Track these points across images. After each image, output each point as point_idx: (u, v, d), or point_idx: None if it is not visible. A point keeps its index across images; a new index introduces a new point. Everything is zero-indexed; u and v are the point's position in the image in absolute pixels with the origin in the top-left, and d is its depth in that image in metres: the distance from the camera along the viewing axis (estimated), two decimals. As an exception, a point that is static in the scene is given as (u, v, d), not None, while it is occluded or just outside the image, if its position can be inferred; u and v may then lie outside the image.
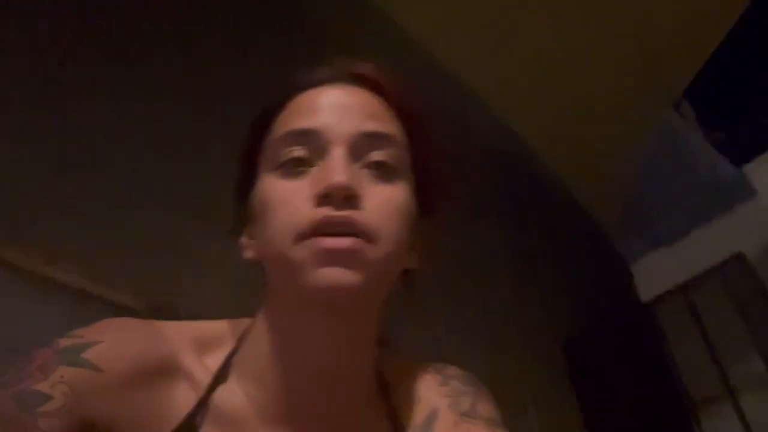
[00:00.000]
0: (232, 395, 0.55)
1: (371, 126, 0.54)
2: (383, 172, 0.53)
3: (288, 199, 0.51)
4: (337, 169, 0.50)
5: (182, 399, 0.52)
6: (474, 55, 2.51)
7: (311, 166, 0.52)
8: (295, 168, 0.52)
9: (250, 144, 0.58)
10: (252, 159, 0.57)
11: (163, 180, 1.46)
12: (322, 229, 0.49)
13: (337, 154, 0.51)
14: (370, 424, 0.58)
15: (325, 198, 0.49)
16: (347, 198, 0.49)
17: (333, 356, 0.53)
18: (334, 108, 0.54)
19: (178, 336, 0.57)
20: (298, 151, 0.52)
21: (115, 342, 0.53)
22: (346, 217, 0.49)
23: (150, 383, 0.53)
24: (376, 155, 0.53)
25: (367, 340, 0.56)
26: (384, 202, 0.52)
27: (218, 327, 0.59)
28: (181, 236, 1.42)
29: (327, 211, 0.49)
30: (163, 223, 1.41)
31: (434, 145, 0.61)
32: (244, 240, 0.57)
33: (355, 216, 0.49)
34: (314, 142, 0.52)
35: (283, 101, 0.57)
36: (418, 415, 0.59)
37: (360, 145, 0.53)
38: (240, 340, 0.57)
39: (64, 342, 0.52)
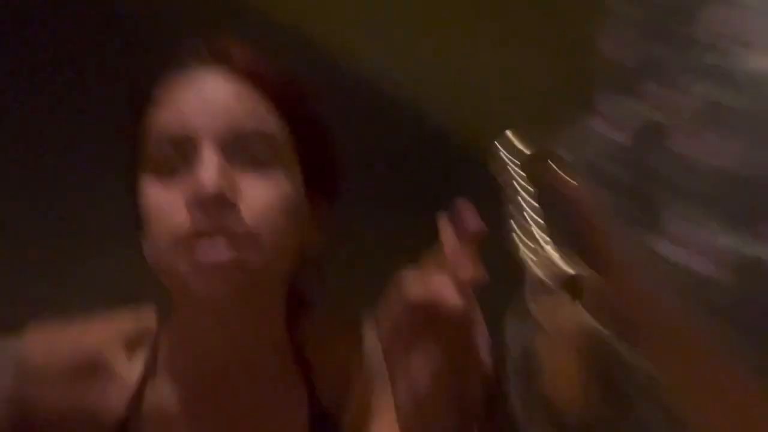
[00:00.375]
0: (161, 391, 0.56)
1: (243, 122, 0.52)
2: (259, 167, 0.51)
3: (162, 207, 0.50)
4: (206, 174, 0.48)
5: (114, 399, 0.56)
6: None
7: (185, 165, 0.50)
8: (168, 170, 0.51)
9: (129, 134, 0.55)
10: (134, 151, 0.55)
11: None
12: (195, 240, 0.48)
13: (208, 157, 0.49)
14: (289, 403, 0.58)
15: (196, 206, 0.48)
16: (219, 204, 0.48)
17: (236, 349, 0.55)
18: (203, 105, 0.51)
19: (106, 335, 0.59)
20: (168, 153, 0.51)
21: (47, 344, 0.56)
22: (219, 227, 0.48)
23: (81, 383, 0.55)
24: (250, 151, 0.51)
25: (269, 327, 0.57)
26: (260, 199, 0.50)
27: (144, 320, 0.60)
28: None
29: (198, 223, 0.48)
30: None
31: (319, 125, 0.58)
32: (143, 242, 0.55)
33: (229, 222, 0.48)
34: (184, 144, 0.51)
35: (150, 90, 0.54)
36: (335, 376, 0.60)
37: (232, 143, 0.51)
38: (162, 333, 0.58)
39: (9, 343, 0.55)
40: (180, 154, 0.51)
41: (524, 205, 0.30)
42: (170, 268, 0.51)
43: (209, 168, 0.48)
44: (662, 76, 0.24)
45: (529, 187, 0.30)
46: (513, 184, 0.31)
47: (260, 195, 0.51)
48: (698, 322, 0.21)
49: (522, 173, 0.31)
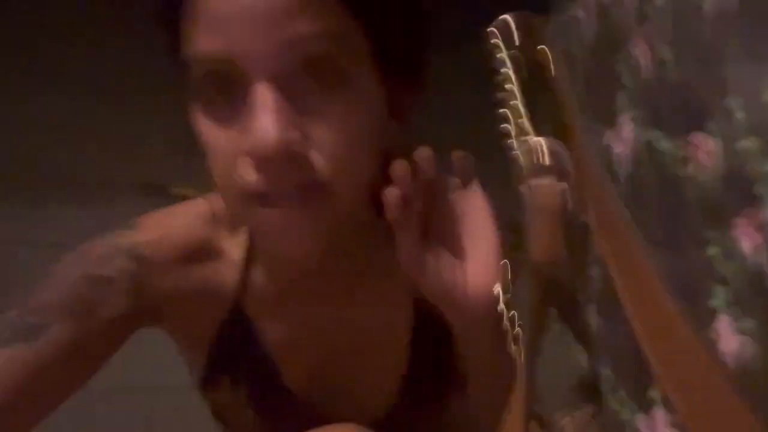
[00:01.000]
0: (263, 275, 0.57)
1: (298, 28, 0.43)
2: (329, 85, 0.44)
3: (220, 153, 0.43)
4: (262, 119, 0.40)
5: (225, 278, 0.57)
6: None
7: (240, 98, 0.44)
8: (220, 104, 0.43)
9: (168, 35, 0.48)
10: (175, 50, 0.48)
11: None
12: (264, 197, 0.44)
13: (260, 94, 0.41)
14: (390, 279, 0.57)
15: (258, 160, 0.42)
16: (284, 159, 0.42)
17: (329, 257, 0.51)
18: (246, 16, 0.42)
19: (212, 218, 0.59)
20: (215, 84, 0.43)
21: (158, 235, 0.56)
22: (289, 185, 0.43)
23: (195, 265, 0.55)
24: (316, 66, 0.44)
25: (354, 229, 0.54)
26: (336, 137, 0.42)
27: None
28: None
29: (264, 179, 0.42)
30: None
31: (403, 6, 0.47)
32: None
33: (302, 172, 0.43)
34: (231, 73, 0.44)
35: None
36: None
37: (290, 62, 0.44)
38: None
39: (117, 238, 0.54)
40: (231, 84, 0.46)
41: (515, 93, 0.33)
42: (245, 222, 0.49)
43: (266, 114, 0.40)
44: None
45: (518, 75, 0.33)
46: (505, 70, 0.34)
47: (334, 130, 0.43)
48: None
49: (515, 59, 0.34)
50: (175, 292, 0.60)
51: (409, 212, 0.46)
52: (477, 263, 0.48)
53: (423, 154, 0.46)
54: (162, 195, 1.91)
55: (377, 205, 0.60)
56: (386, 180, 0.59)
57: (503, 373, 0.53)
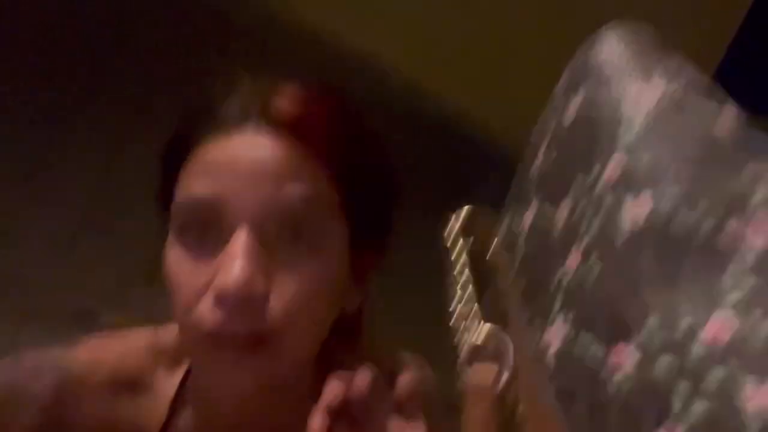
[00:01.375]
0: (191, 418, 0.55)
1: (288, 190, 0.43)
2: (304, 240, 0.48)
3: (187, 286, 0.42)
4: (235, 263, 0.44)
5: (151, 415, 0.55)
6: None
7: (218, 240, 0.48)
8: (198, 240, 0.47)
9: (163, 183, 0.53)
10: (166, 196, 0.52)
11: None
12: (216, 339, 0.46)
13: (239, 239, 0.42)
14: None
15: (220, 300, 0.46)
16: (247, 301, 0.46)
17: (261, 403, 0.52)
18: (242, 169, 0.44)
19: (150, 351, 0.57)
20: (199, 223, 0.48)
21: (95, 356, 0.54)
22: (242, 322, 0.45)
23: (123, 396, 0.53)
24: (295, 228, 0.49)
25: (295, 378, 0.54)
26: (298, 292, 0.43)
27: (175, 337, 0.59)
28: None
29: (221, 317, 0.45)
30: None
31: (378, 171, 0.53)
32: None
33: (254, 317, 0.46)
34: (216, 217, 0.48)
35: (187, 147, 0.52)
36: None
37: (273, 217, 0.47)
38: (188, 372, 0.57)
39: (52, 353, 0.53)
40: (214, 226, 0.49)
41: (468, 278, 0.36)
42: (195, 357, 0.50)
43: (239, 257, 0.44)
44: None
45: (473, 263, 0.37)
46: (457, 258, 0.37)
47: (299, 283, 0.45)
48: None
49: (470, 249, 0.37)
50: (98, 420, 0.56)
51: None
52: None
53: (363, 377, 0.46)
54: (95, 322, 1.82)
55: (319, 363, 0.60)
56: (334, 340, 0.59)
57: None
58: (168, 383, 0.57)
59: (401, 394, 0.45)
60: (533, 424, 0.28)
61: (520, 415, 0.31)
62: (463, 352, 0.34)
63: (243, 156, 0.44)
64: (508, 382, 0.33)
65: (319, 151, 0.45)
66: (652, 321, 0.24)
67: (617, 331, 0.26)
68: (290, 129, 0.44)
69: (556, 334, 0.29)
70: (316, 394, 0.61)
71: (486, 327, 0.35)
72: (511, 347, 0.33)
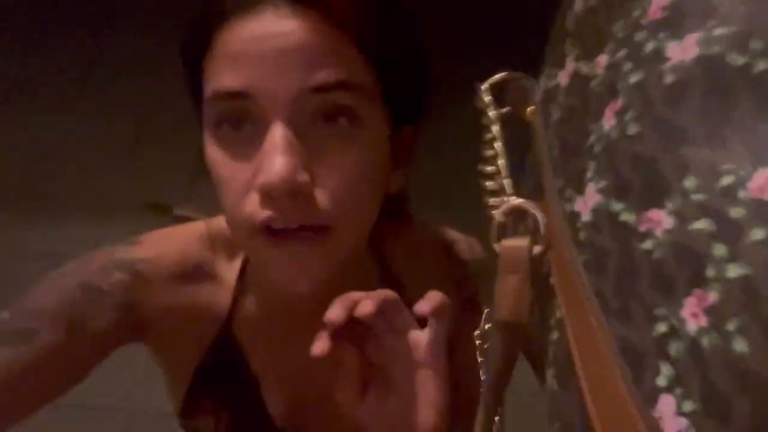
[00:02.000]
0: (255, 302, 0.59)
1: (319, 76, 0.42)
2: (340, 131, 0.44)
3: (230, 184, 0.45)
4: (275, 158, 0.41)
5: (217, 301, 0.60)
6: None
7: (253, 133, 0.44)
8: (234, 136, 0.45)
9: (189, 75, 0.49)
10: (195, 85, 0.49)
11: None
12: (269, 231, 0.44)
13: (276, 133, 0.42)
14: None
15: (266, 195, 0.43)
16: (292, 193, 0.42)
17: (317, 296, 0.51)
18: (270, 57, 0.41)
19: (208, 242, 0.61)
20: (234, 115, 0.44)
21: (156, 251, 0.59)
22: (294, 217, 0.43)
23: (188, 285, 0.59)
24: (329, 113, 0.43)
25: (350, 266, 0.53)
26: (341, 180, 0.44)
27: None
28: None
29: (270, 213, 0.43)
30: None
31: (413, 49, 0.49)
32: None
33: (305, 210, 0.43)
34: (249, 109, 0.43)
35: (209, 32, 0.45)
36: (423, 290, 0.55)
37: (307, 105, 0.43)
38: (246, 263, 0.61)
39: (116, 253, 0.58)
40: (248, 120, 0.44)
41: (501, 151, 0.34)
42: (250, 252, 0.50)
43: (278, 151, 0.41)
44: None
45: (505, 135, 0.34)
46: (494, 128, 0.34)
47: (342, 173, 0.44)
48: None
49: (504, 118, 0.35)
50: (166, 310, 0.64)
51: (351, 356, 0.50)
52: (423, 406, 0.51)
53: (382, 295, 0.49)
54: (165, 215, 1.95)
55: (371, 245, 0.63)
56: (384, 223, 0.61)
57: None
58: (229, 271, 0.64)
59: (424, 311, 0.47)
60: (564, 296, 0.27)
61: (551, 287, 0.30)
62: (493, 228, 0.33)
63: (269, 43, 0.43)
64: (540, 255, 0.31)
65: (349, 29, 0.44)
66: (690, 182, 0.22)
67: (651, 196, 0.23)
68: (316, 6, 0.43)
69: (586, 204, 0.27)
70: (372, 277, 0.66)
71: (515, 201, 0.33)
72: (542, 219, 0.31)
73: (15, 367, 0.48)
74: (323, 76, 0.44)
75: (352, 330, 0.46)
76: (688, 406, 0.20)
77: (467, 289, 0.65)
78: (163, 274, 0.61)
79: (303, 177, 0.44)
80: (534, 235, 0.32)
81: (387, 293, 0.47)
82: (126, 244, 0.61)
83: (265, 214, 0.44)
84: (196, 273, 0.63)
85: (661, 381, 0.21)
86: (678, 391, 0.21)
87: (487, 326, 0.42)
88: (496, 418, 0.35)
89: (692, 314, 0.21)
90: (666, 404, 0.21)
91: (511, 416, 0.45)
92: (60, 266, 0.60)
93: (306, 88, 0.44)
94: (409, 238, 0.65)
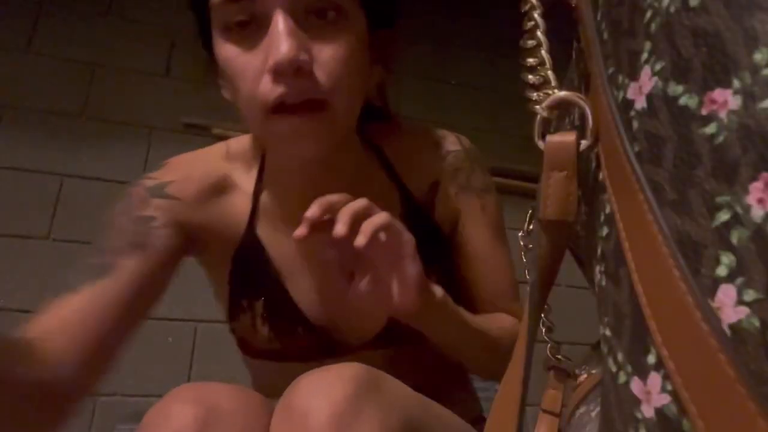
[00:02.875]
0: (271, 198, 0.70)
1: None
2: (330, 23, 0.53)
3: (245, 73, 0.53)
4: (281, 41, 0.49)
5: (240, 207, 0.70)
6: None
7: (258, 29, 0.53)
8: (242, 33, 0.53)
9: None
10: (200, 8, 0.57)
11: None
12: (281, 105, 0.52)
13: (279, 22, 0.50)
14: (379, 193, 0.69)
15: (277, 73, 0.51)
16: (297, 69, 0.50)
17: (321, 175, 0.65)
18: None
19: (227, 158, 0.71)
20: (240, 15, 0.52)
21: (182, 175, 0.69)
22: (300, 91, 0.52)
23: (214, 199, 0.69)
24: (319, 6, 0.53)
25: (344, 152, 0.66)
26: (333, 58, 0.53)
27: (245, 143, 0.72)
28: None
29: (282, 89, 0.51)
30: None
31: None
32: (220, 81, 0.64)
33: (308, 85, 0.52)
34: (253, 9, 0.52)
35: None
36: (423, 183, 0.72)
37: (300, 3, 0.52)
38: (263, 156, 0.71)
39: (149, 182, 0.67)
40: (253, 16, 0.52)
41: (543, 40, 0.32)
42: (264, 133, 0.58)
43: (283, 33, 0.50)
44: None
45: (541, 25, 0.32)
46: (532, 12, 0.32)
47: (332, 57, 0.53)
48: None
49: (546, 4, 0.32)
50: (200, 224, 0.74)
51: (332, 253, 0.57)
52: (402, 287, 0.56)
53: (353, 207, 0.65)
54: (208, 133, 1.96)
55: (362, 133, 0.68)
56: (372, 124, 0.68)
57: (470, 339, 0.65)
58: (248, 179, 0.74)
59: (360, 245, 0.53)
60: (614, 190, 0.26)
61: (600, 182, 0.28)
62: (537, 123, 0.31)
63: None
64: (587, 150, 0.30)
65: None
66: (761, 55, 0.20)
67: (715, 75, 0.21)
68: None
69: (641, 90, 0.25)
70: (363, 172, 0.72)
71: (561, 93, 0.31)
72: (589, 113, 0.29)
73: (112, 294, 0.57)
74: None
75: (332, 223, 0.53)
76: (750, 295, 0.19)
77: (461, 176, 0.73)
78: (192, 190, 0.70)
79: (305, 56, 0.52)
80: (581, 129, 0.31)
81: (358, 202, 0.53)
82: (155, 171, 0.71)
83: (277, 91, 0.52)
84: (219, 186, 0.71)
85: (722, 271, 0.20)
86: (739, 280, 0.20)
87: (530, 227, 0.41)
88: (543, 316, 0.34)
89: (758, 200, 0.19)
90: (726, 294, 0.20)
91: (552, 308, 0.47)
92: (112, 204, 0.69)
93: None
94: (403, 137, 0.74)
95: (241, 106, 0.57)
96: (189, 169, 0.70)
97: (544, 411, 0.43)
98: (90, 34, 1.96)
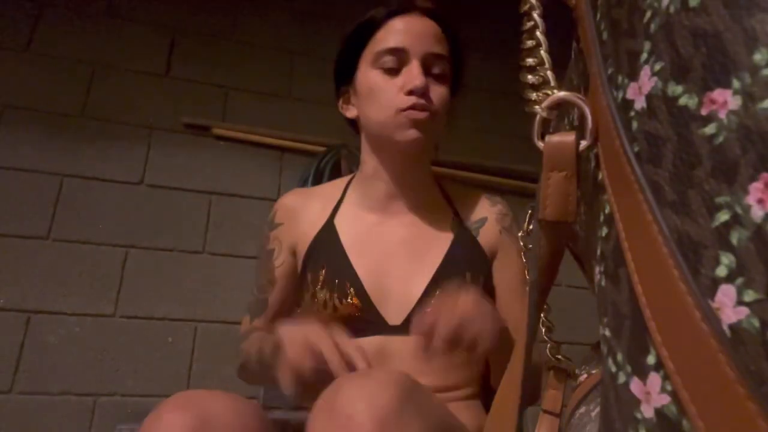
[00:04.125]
0: (349, 206, 0.97)
1: (435, 48, 0.88)
2: (439, 78, 0.89)
3: (388, 89, 0.87)
4: (418, 76, 0.85)
5: (322, 211, 0.97)
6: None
7: (399, 69, 0.87)
8: (390, 69, 0.88)
9: (354, 44, 0.93)
10: (353, 54, 0.93)
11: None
12: (412, 108, 0.85)
13: (416, 66, 0.86)
14: (438, 212, 0.95)
15: (411, 92, 0.85)
16: (423, 93, 0.85)
17: (407, 174, 0.94)
18: (412, 33, 0.87)
19: (321, 189, 1.04)
20: (392, 61, 0.87)
21: (280, 208, 1.01)
22: (424, 104, 0.85)
23: (304, 213, 0.98)
24: (436, 68, 0.88)
25: (424, 164, 0.97)
26: (440, 96, 0.88)
27: (331, 184, 1.06)
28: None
29: (414, 99, 0.85)
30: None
31: (464, 54, 0.95)
32: (342, 104, 0.97)
33: (427, 102, 0.86)
34: (401, 56, 0.87)
35: (378, 23, 0.90)
36: (473, 216, 0.95)
37: (428, 61, 0.87)
38: (352, 177, 1.02)
39: (268, 218, 1.01)
40: (399, 62, 0.87)
41: (543, 41, 0.32)
42: (393, 124, 0.87)
43: (418, 72, 0.85)
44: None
45: (541, 24, 0.32)
46: (531, 12, 0.32)
47: (439, 95, 0.88)
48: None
49: (545, 4, 0.32)
50: (297, 236, 0.98)
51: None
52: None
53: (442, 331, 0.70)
54: (205, 135, 1.96)
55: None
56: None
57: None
58: (333, 191, 1.02)
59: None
60: (614, 190, 0.26)
61: (599, 182, 0.28)
62: (536, 124, 0.31)
63: (411, 25, 0.88)
64: (587, 150, 0.30)
65: (446, 33, 0.91)
66: (761, 55, 0.20)
67: (715, 75, 0.21)
68: (432, 15, 0.91)
69: (641, 90, 0.25)
70: (429, 192, 1.02)
71: (560, 94, 0.31)
72: (588, 113, 0.29)
73: (265, 322, 0.97)
74: (436, 47, 0.89)
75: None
76: (750, 295, 0.19)
77: (506, 220, 0.96)
78: (287, 213, 1.02)
79: (426, 85, 0.86)
80: (580, 129, 0.31)
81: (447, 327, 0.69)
82: (269, 217, 1.04)
83: (411, 101, 0.85)
84: (308, 201, 1.02)
85: (721, 271, 0.20)
86: (739, 280, 0.20)
87: (530, 227, 0.41)
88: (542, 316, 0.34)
89: (758, 200, 0.19)
90: (726, 294, 0.20)
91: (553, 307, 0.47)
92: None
93: (429, 51, 0.88)
94: (462, 187, 1.03)
95: (372, 112, 0.89)
96: (285, 203, 1.01)
97: (545, 411, 0.43)
98: (90, 34, 1.96)
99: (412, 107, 0.84)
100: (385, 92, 0.86)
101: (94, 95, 1.92)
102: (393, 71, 0.87)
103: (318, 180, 1.88)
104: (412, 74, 0.84)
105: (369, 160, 0.95)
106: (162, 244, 1.82)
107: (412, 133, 0.85)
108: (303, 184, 1.91)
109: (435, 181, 1.00)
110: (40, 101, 1.86)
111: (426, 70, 0.86)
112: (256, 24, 2.14)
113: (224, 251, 1.86)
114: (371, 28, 0.90)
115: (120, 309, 1.74)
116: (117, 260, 1.77)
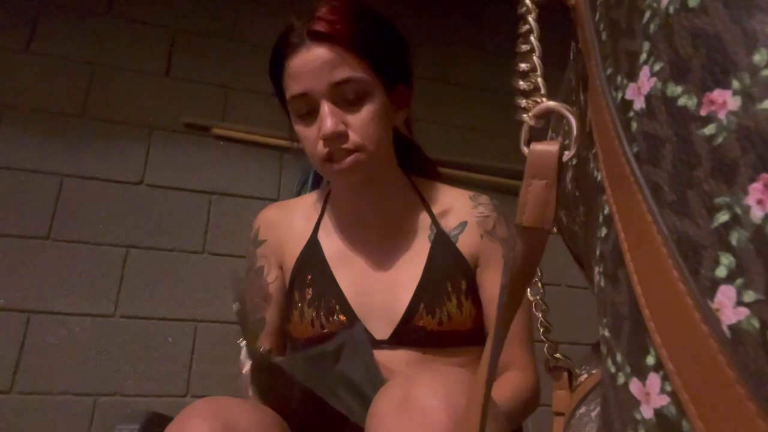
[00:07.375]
0: (332, 213, 0.97)
1: (336, 76, 0.80)
2: (355, 102, 0.82)
3: (310, 138, 0.84)
4: (325, 121, 0.80)
5: (306, 225, 0.98)
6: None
7: (313, 112, 0.83)
8: (304, 116, 0.84)
9: (277, 88, 0.89)
10: (282, 98, 0.89)
11: None
12: (329, 160, 0.83)
13: (324, 107, 0.80)
14: (415, 220, 0.92)
15: (325, 140, 0.81)
16: (340, 135, 0.80)
17: (368, 193, 0.91)
18: (308, 71, 0.80)
19: (295, 202, 1.03)
20: (303, 107, 0.83)
21: (263, 224, 1.00)
22: (342, 149, 0.81)
23: (287, 229, 0.98)
24: (349, 93, 0.81)
25: (384, 180, 0.92)
26: (362, 123, 0.81)
27: (310, 196, 1.04)
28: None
29: (329, 148, 0.81)
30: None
31: (389, 48, 0.86)
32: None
33: (346, 144, 0.81)
34: (309, 99, 0.82)
35: (281, 68, 0.85)
36: (452, 221, 0.91)
37: (335, 91, 0.81)
38: (329, 194, 1.00)
39: (251, 236, 1.00)
40: (311, 106, 0.82)
41: (532, 43, 0.32)
42: (323, 174, 0.87)
43: (326, 114, 0.80)
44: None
45: (535, 29, 0.31)
46: (527, 16, 0.32)
47: (360, 121, 0.81)
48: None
49: (536, 4, 0.32)
50: (281, 252, 0.99)
51: None
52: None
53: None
54: (205, 135, 1.96)
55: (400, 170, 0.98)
56: (399, 147, 0.97)
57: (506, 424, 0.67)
58: (314, 205, 1.01)
59: None
60: (613, 191, 0.26)
61: (599, 182, 0.28)
62: (523, 130, 0.31)
63: (308, 65, 0.80)
64: (586, 151, 0.30)
65: (347, 47, 0.80)
66: (760, 56, 0.20)
67: (714, 75, 0.21)
68: (328, 40, 0.80)
69: (640, 90, 0.25)
70: (402, 198, 0.99)
71: (549, 103, 0.31)
72: (574, 123, 0.29)
73: (267, 337, 0.96)
74: (339, 74, 0.81)
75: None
76: (750, 296, 0.19)
77: (488, 222, 0.91)
78: (270, 229, 1.03)
79: (341, 127, 0.81)
80: (566, 139, 0.31)
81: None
82: (252, 231, 1.03)
83: (325, 151, 0.82)
84: (288, 215, 1.03)
85: (721, 272, 0.20)
86: (739, 281, 0.20)
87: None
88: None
89: (757, 201, 0.19)
90: (725, 295, 0.20)
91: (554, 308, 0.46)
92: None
93: (331, 82, 0.81)
94: (441, 189, 0.97)
95: (308, 156, 0.86)
96: (265, 218, 1.01)
97: (557, 413, 0.43)
98: (90, 34, 1.96)
99: (329, 159, 0.82)
100: (308, 142, 0.84)
101: (94, 95, 1.92)
102: (308, 116, 0.83)
103: (318, 180, 1.88)
104: (322, 121, 0.80)
105: (332, 186, 0.97)
106: (162, 244, 1.82)
107: (345, 178, 0.83)
108: (303, 184, 1.91)
109: (411, 186, 0.96)
110: (40, 101, 1.86)
111: (339, 99, 0.80)
112: (256, 24, 2.14)
113: (224, 251, 1.86)
114: (278, 73, 0.86)
115: (120, 309, 1.74)
116: (117, 260, 1.77)
